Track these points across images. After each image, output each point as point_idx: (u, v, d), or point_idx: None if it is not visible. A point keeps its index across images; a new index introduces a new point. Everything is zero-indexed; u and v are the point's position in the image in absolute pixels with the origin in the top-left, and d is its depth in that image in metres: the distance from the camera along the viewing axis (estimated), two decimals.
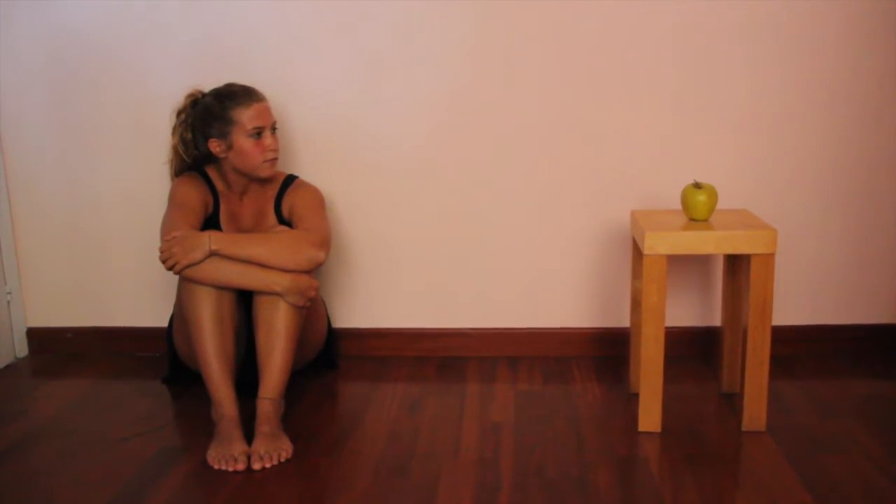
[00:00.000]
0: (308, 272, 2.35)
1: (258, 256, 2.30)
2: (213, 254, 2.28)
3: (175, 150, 2.53)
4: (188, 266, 2.27)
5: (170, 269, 2.28)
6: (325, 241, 2.40)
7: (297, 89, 2.76)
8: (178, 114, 2.52)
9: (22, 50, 2.80)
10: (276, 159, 2.49)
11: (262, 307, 2.33)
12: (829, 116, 2.70)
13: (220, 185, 2.53)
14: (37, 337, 3.02)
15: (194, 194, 2.47)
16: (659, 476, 2.08)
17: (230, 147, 2.44)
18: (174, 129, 2.52)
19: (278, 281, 2.30)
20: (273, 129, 2.48)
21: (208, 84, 2.52)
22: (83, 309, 2.98)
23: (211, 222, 2.49)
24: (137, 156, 2.84)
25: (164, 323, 2.81)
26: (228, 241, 2.30)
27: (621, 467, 2.13)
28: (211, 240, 2.28)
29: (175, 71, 2.76)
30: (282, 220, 2.54)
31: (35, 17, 2.77)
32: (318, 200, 2.55)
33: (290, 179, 2.59)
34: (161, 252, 2.30)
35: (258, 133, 2.44)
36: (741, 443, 2.24)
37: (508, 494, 2.00)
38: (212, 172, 2.54)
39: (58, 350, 3.01)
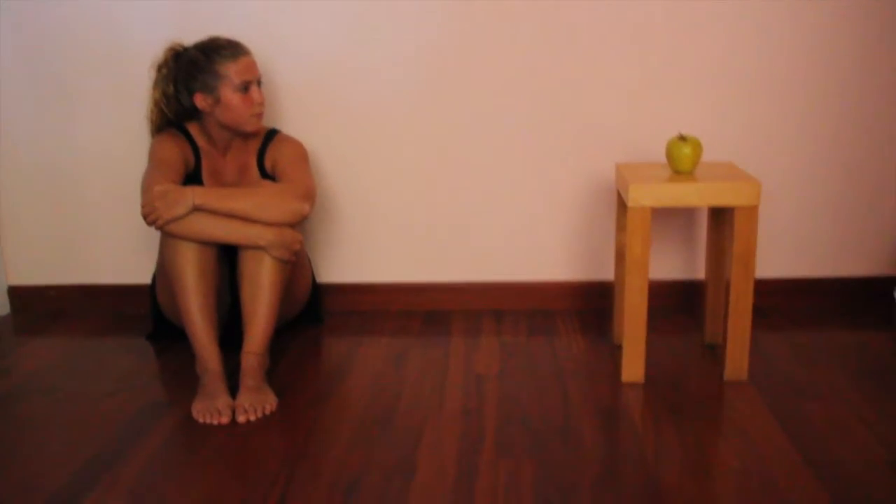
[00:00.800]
0: (293, 225, 2.34)
1: (242, 210, 2.29)
2: (196, 208, 2.26)
3: (157, 104, 2.48)
4: (171, 221, 2.25)
5: (151, 224, 2.26)
6: (310, 194, 2.38)
7: (279, 43, 2.73)
8: (159, 68, 2.47)
9: None
10: (262, 114, 2.46)
11: (247, 262, 2.32)
12: (814, 69, 2.69)
13: (201, 142, 2.51)
14: (19, 295, 3.00)
15: (175, 151, 2.44)
16: (642, 426, 2.09)
17: (217, 101, 2.41)
18: (155, 83, 2.48)
19: (262, 235, 2.29)
20: (259, 82, 2.45)
21: (187, 39, 2.49)
22: (65, 266, 2.97)
23: (192, 179, 2.47)
24: (117, 112, 2.81)
25: (148, 280, 2.80)
26: (212, 195, 2.28)
27: (604, 418, 2.14)
28: (194, 194, 2.26)
29: (153, 25, 2.72)
30: (265, 175, 2.53)
31: None
32: (301, 153, 2.53)
33: (273, 133, 2.57)
34: (143, 207, 2.27)
35: (246, 87, 2.41)
36: (723, 393, 2.26)
37: (492, 445, 2.02)
38: (193, 129, 2.51)
39: (40, 308, 3.00)
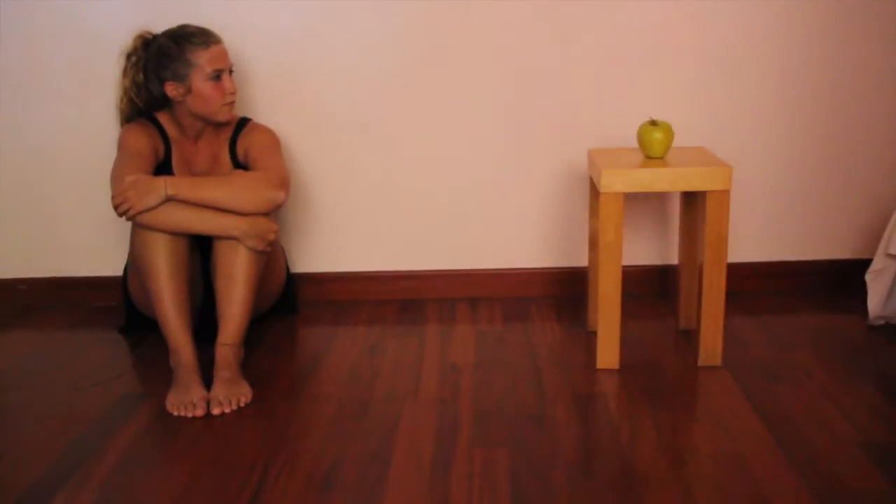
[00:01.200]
0: (268, 214, 2.33)
1: (216, 199, 2.27)
2: (169, 198, 2.24)
3: (126, 93, 2.45)
4: (143, 211, 2.22)
5: (122, 214, 2.24)
6: (285, 182, 2.36)
7: (250, 31, 2.70)
8: (129, 56, 2.44)
9: None
10: (233, 103, 2.44)
11: (222, 253, 2.30)
12: (787, 54, 2.70)
13: (171, 131, 2.48)
14: None
15: (144, 140, 2.41)
16: (617, 412, 2.10)
17: (188, 90, 2.38)
18: (124, 71, 2.45)
19: (236, 225, 2.27)
20: (230, 71, 2.43)
21: (155, 26, 2.46)
22: (35, 260, 2.94)
23: (162, 169, 2.45)
24: (85, 101, 2.77)
25: (119, 272, 2.78)
26: (185, 184, 2.26)
27: (580, 404, 2.15)
28: (167, 184, 2.24)
29: (119, 12, 2.69)
30: (237, 164, 2.51)
31: None
32: (273, 141, 2.51)
33: (244, 122, 2.55)
34: (114, 197, 2.25)
35: (217, 76, 2.38)
36: (698, 378, 2.27)
37: (468, 432, 2.02)
38: (163, 118, 2.48)
39: (11, 302, 2.96)
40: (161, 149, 2.45)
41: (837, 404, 2.10)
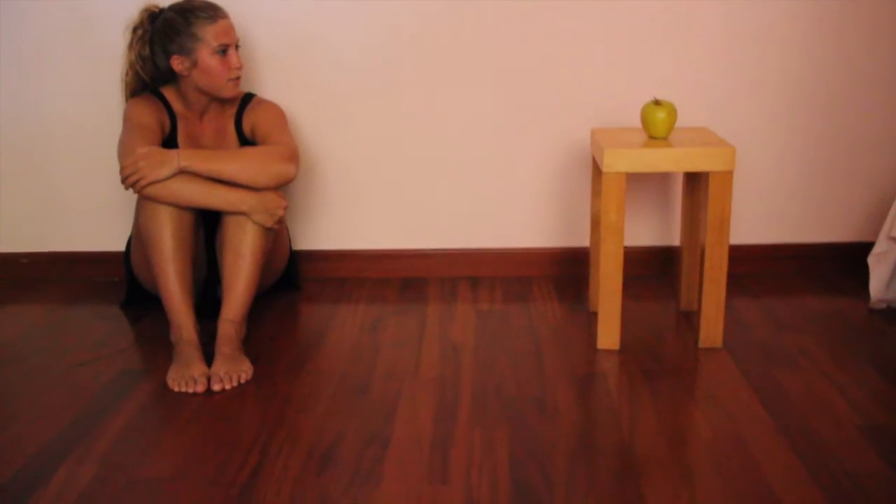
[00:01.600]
0: (279, 188, 2.32)
1: (228, 173, 2.26)
2: (181, 170, 2.23)
3: (132, 67, 2.44)
4: (154, 182, 2.21)
5: (132, 185, 2.22)
6: (295, 156, 2.36)
7: (257, 7, 2.69)
8: (135, 29, 2.41)
9: None
10: (239, 78, 2.43)
11: (230, 229, 2.30)
12: (790, 36, 2.69)
13: (177, 106, 2.47)
14: None
15: (151, 114, 2.40)
16: (617, 393, 2.10)
17: (194, 64, 2.36)
18: (130, 45, 2.43)
19: (244, 199, 2.27)
20: (237, 46, 2.41)
21: (161, 1, 2.44)
22: (38, 233, 2.93)
23: (168, 144, 2.43)
24: (87, 75, 2.76)
25: (121, 247, 2.78)
26: (197, 157, 2.25)
27: (580, 385, 2.15)
28: (179, 156, 2.23)
29: None
30: (243, 140, 2.50)
31: None
32: (280, 116, 2.50)
33: (249, 97, 2.54)
34: (124, 169, 2.23)
35: (223, 50, 2.37)
36: (698, 359, 2.27)
37: (468, 412, 2.02)
38: (168, 93, 2.47)
39: (13, 276, 2.96)
40: (167, 123, 2.44)
41: (838, 387, 2.10)
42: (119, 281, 2.85)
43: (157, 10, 2.42)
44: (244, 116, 2.50)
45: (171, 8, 2.39)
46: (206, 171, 2.25)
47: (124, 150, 2.27)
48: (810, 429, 1.92)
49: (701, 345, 2.33)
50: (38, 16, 2.73)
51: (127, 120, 2.37)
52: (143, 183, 2.21)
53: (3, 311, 2.72)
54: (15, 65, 2.78)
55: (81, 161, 2.85)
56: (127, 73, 2.46)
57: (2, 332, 2.56)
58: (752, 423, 1.95)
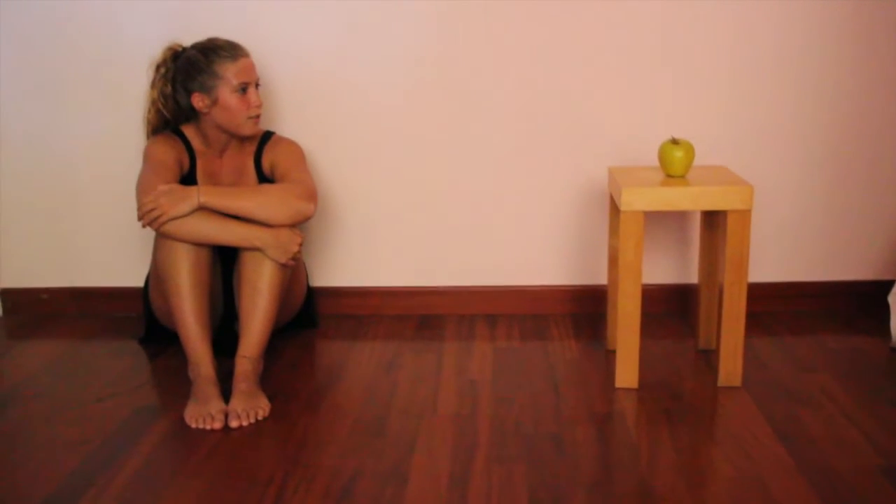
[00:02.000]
0: (297, 226, 2.33)
1: (247, 209, 2.28)
2: (201, 206, 2.25)
3: (154, 104, 2.47)
4: (174, 218, 2.23)
5: (152, 222, 2.24)
6: (314, 194, 2.38)
7: (276, 46, 2.72)
8: (158, 67, 2.45)
9: None
10: (259, 116, 2.45)
11: (247, 265, 2.31)
12: (807, 73, 2.70)
13: (197, 144, 2.49)
14: (11, 298, 2.99)
15: (170, 153, 2.43)
16: (636, 432, 2.09)
17: (214, 102, 2.39)
18: (153, 83, 2.47)
19: (259, 235, 2.28)
20: (257, 85, 2.44)
21: (184, 40, 2.48)
22: (58, 269, 2.96)
23: (187, 182, 2.45)
24: (110, 113, 2.80)
25: (140, 283, 2.79)
26: (217, 193, 2.27)
27: (598, 423, 2.14)
28: (199, 192, 2.25)
29: (148, 26, 2.71)
30: (262, 177, 2.52)
31: None
32: (299, 154, 2.52)
33: (268, 135, 2.57)
34: (144, 205, 2.24)
35: (243, 89, 2.40)
36: (717, 398, 2.26)
37: (486, 451, 2.01)
38: (189, 131, 2.50)
39: (33, 311, 2.98)
40: (186, 161, 2.46)
41: (859, 427, 2.08)
42: (137, 316, 2.86)
43: (179, 48, 2.46)
44: (263, 154, 2.52)
45: (193, 46, 2.42)
46: (224, 208, 2.27)
47: (143, 188, 2.29)
48: (831, 469, 1.90)
49: (720, 384, 2.32)
50: (63, 54, 2.77)
51: (146, 158, 2.40)
52: (163, 219, 2.23)
53: (22, 345, 2.74)
54: (39, 103, 2.81)
55: (102, 198, 2.87)
56: (149, 111, 2.49)
57: (21, 367, 2.57)
58: (773, 463, 1.93)
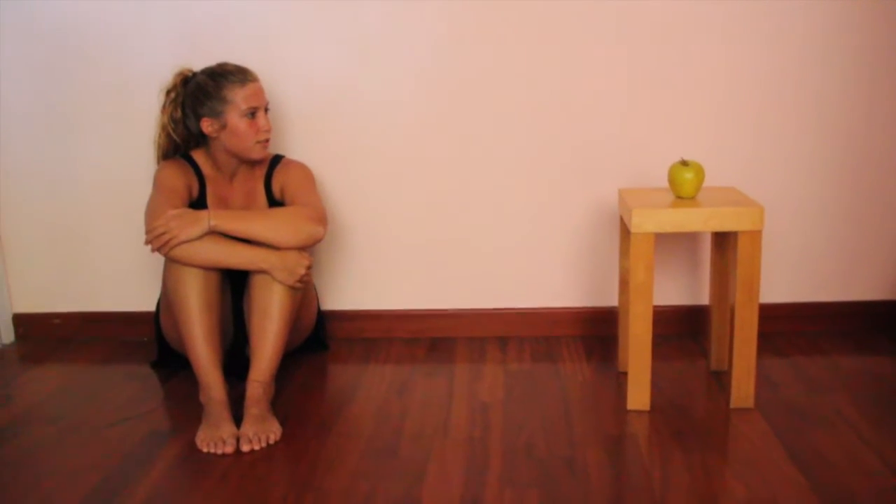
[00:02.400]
0: (307, 248, 2.34)
1: (257, 232, 2.29)
2: (211, 230, 2.26)
3: (164, 129, 2.49)
4: (185, 241, 2.24)
5: (161, 246, 2.25)
6: (323, 217, 2.38)
7: (286, 70, 2.74)
8: (168, 92, 2.48)
9: (4, 31, 2.77)
10: (268, 140, 2.47)
11: (257, 290, 2.32)
12: (816, 94, 2.70)
13: (206, 169, 2.51)
14: (23, 323, 3.00)
15: (180, 178, 2.44)
16: (648, 454, 2.08)
17: (223, 126, 2.41)
18: (163, 107, 2.48)
19: (266, 258, 2.29)
20: (266, 109, 2.46)
21: (195, 65, 2.50)
22: (70, 294, 2.97)
23: (196, 207, 2.47)
24: (121, 139, 2.82)
25: (152, 307, 2.80)
26: (227, 217, 2.28)
27: (610, 446, 2.13)
28: (210, 216, 2.26)
29: (158, 52, 2.73)
30: (272, 201, 2.53)
31: None
32: (309, 177, 2.53)
33: (277, 159, 2.58)
34: (154, 229, 2.25)
35: (252, 113, 2.41)
36: (730, 420, 2.25)
37: (498, 474, 2.01)
38: (198, 156, 2.51)
39: (45, 336, 2.99)
40: (195, 187, 2.48)
41: (874, 448, 2.07)
42: (149, 340, 2.87)
43: (190, 73, 2.48)
44: (273, 177, 2.53)
45: (203, 71, 2.44)
46: (235, 231, 2.27)
47: (153, 213, 2.31)
48: (845, 491, 1.89)
49: (732, 405, 2.31)
50: (75, 79, 2.79)
51: (156, 184, 2.42)
52: (173, 242, 2.24)
53: (35, 370, 2.74)
54: (50, 128, 2.83)
55: (113, 223, 2.89)
56: (159, 136, 2.51)
57: (34, 392, 2.57)
58: (786, 485, 1.92)
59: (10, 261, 2.96)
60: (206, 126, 2.42)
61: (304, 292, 2.45)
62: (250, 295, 2.33)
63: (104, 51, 2.76)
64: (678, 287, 2.85)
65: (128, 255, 2.90)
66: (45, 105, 2.82)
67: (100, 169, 2.86)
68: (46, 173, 2.87)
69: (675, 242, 2.82)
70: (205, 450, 2.16)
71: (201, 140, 2.49)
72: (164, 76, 2.51)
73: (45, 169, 2.87)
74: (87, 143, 2.84)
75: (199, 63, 2.49)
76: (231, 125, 2.40)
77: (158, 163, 2.52)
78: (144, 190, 2.53)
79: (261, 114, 2.43)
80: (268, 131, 2.45)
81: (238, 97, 2.39)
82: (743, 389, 2.29)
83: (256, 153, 2.45)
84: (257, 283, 2.32)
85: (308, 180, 2.52)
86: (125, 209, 2.85)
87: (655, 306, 2.77)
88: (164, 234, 2.25)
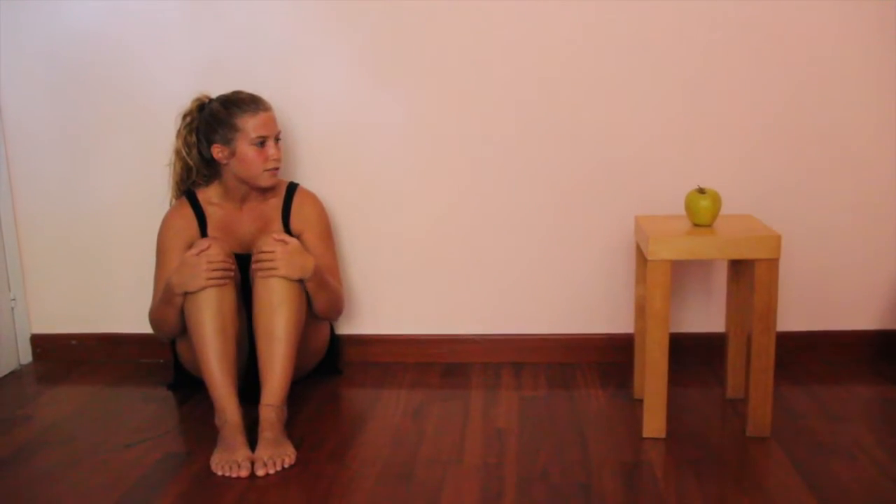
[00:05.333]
0: (329, 320, 2.66)
1: (332, 286, 2.51)
2: (314, 274, 2.40)
3: (178, 153, 2.54)
4: (285, 277, 2.34)
5: (262, 269, 2.34)
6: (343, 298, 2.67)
7: (301, 98, 2.76)
8: (184, 117, 2.53)
9: (25, 54, 2.81)
10: (277, 169, 2.50)
11: (261, 315, 2.33)
12: (834, 122, 2.70)
13: (214, 199, 2.56)
14: (41, 343, 3.02)
15: (180, 236, 2.52)
16: (664, 482, 2.07)
17: (233, 154, 2.45)
18: (179, 131, 2.54)
19: (173, 281, 2.35)
20: (277, 138, 2.49)
21: (211, 92, 2.53)
22: (87, 315, 2.99)
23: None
24: (141, 161, 2.84)
25: None
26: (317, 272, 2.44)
27: (626, 473, 2.12)
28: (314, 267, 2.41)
29: (178, 78, 2.76)
30: (289, 234, 2.55)
31: (39, 20, 2.78)
32: (327, 227, 2.63)
33: (293, 187, 2.60)
34: (261, 253, 2.33)
35: (261, 142, 2.45)
36: (746, 448, 2.23)
37: (512, 501, 2.00)
38: (202, 194, 2.56)
39: (62, 356, 3.01)
40: (195, 232, 2.54)
41: (892, 478, 2.05)
42: (166, 363, 2.88)
43: (206, 99, 2.53)
44: (292, 214, 2.59)
45: (218, 99, 2.50)
46: (323, 281, 2.45)
47: (156, 287, 2.49)
48: None
49: (749, 434, 2.29)
50: (94, 103, 2.82)
51: (158, 249, 2.55)
52: (275, 273, 2.32)
53: (51, 391, 2.76)
54: (69, 150, 2.86)
55: (131, 246, 2.90)
56: (174, 159, 2.56)
57: (50, 413, 2.58)
58: None
59: (28, 282, 2.98)
60: (217, 152, 2.46)
61: (313, 316, 2.47)
62: (255, 321, 2.35)
63: (125, 76, 2.79)
64: (694, 314, 2.84)
65: (145, 277, 2.90)
66: (64, 129, 2.85)
67: (118, 192, 2.88)
68: (66, 196, 2.90)
69: (690, 269, 2.81)
70: (219, 473, 2.16)
71: (212, 165, 2.52)
72: (184, 102, 2.54)
73: (64, 192, 2.89)
74: (106, 166, 2.87)
75: (219, 89, 2.52)
76: (240, 153, 2.44)
77: (170, 188, 2.59)
78: (162, 211, 2.56)
79: (270, 142, 2.46)
80: (277, 160, 2.48)
81: (248, 126, 2.43)
82: (760, 418, 2.28)
83: (265, 181, 2.49)
84: (261, 308, 2.34)
85: (328, 233, 2.63)
86: (143, 232, 2.85)
87: (672, 333, 2.75)
88: (271, 260, 2.33)
